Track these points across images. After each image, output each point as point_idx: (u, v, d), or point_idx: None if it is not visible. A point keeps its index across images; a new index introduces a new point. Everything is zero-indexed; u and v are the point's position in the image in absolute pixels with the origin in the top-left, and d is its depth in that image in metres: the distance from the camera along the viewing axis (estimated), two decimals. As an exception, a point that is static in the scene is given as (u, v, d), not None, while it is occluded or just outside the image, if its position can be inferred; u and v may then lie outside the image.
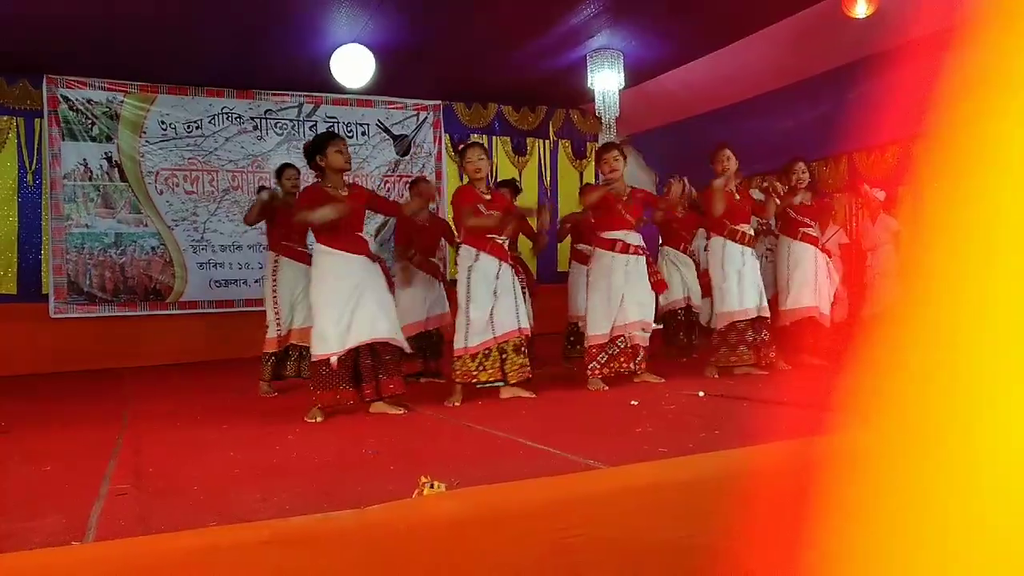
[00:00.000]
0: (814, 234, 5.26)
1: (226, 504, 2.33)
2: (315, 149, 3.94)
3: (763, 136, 8.03)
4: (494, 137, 9.15)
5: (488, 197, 4.26)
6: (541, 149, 9.41)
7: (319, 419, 3.79)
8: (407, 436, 3.42)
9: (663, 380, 4.55)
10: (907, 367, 0.76)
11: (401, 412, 3.89)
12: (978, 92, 0.75)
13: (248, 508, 2.25)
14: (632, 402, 3.94)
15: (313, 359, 3.87)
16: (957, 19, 0.82)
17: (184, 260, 7.78)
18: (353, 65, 6.72)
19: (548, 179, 9.46)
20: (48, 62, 7.02)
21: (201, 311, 7.80)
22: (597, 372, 4.49)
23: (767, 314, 4.87)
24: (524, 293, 4.70)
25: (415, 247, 5.17)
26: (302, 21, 6.22)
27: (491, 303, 4.15)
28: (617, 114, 7.49)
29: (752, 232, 4.91)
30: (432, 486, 2.11)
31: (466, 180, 4.34)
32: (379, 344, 3.90)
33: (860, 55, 6.61)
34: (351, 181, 4.43)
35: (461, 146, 4.25)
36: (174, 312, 7.68)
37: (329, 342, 3.79)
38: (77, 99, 7.43)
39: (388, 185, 8.57)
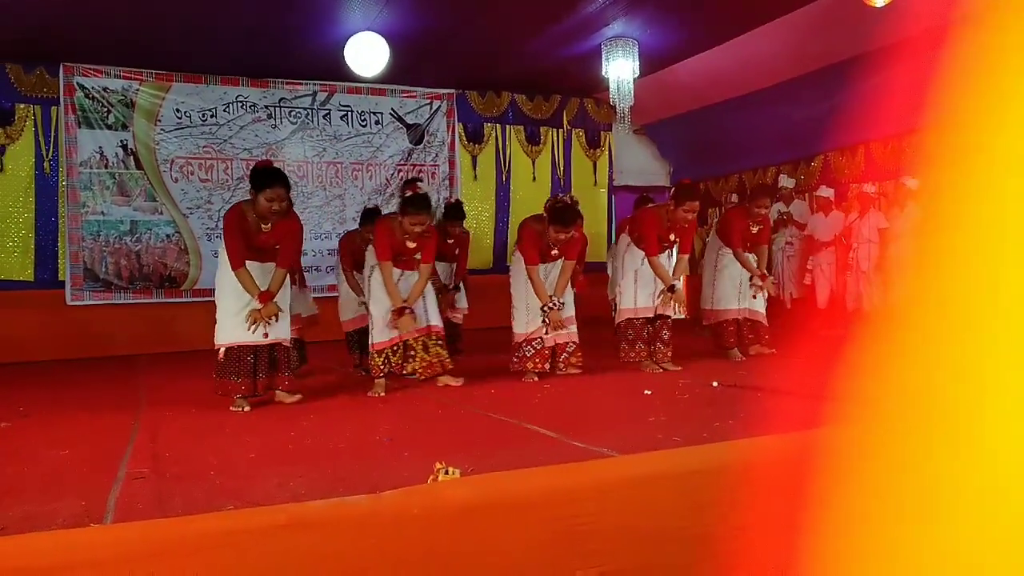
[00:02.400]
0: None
1: (242, 489, 2.35)
2: (253, 182, 3.82)
3: (779, 126, 7.98)
4: (508, 126, 9.13)
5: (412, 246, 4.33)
6: (555, 138, 9.38)
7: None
8: (420, 423, 3.44)
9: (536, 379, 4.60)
10: (914, 359, 0.76)
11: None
12: (994, 82, 0.75)
13: (264, 493, 2.27)
14: (645, 391, 3.94)
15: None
16: (973, 9, 0.81)
17: (199, 247, 7.83)
18: (367, 53, 6.71)
19: (562, 169, 9.42)
20: (64, 50, 7.05)
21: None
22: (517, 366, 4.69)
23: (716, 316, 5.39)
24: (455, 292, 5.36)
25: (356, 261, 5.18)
26: (316, 9, 6.21)
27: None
28: (632, 103, 7.44)
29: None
30: (447, 472, 2.13)
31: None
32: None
33: (878, 44, 6.54)
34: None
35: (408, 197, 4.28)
36: (189, 299, 7.73)
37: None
38: (93, 87, 7.46)
39: (402, 174, 8.57)
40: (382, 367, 4.31)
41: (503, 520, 2.02)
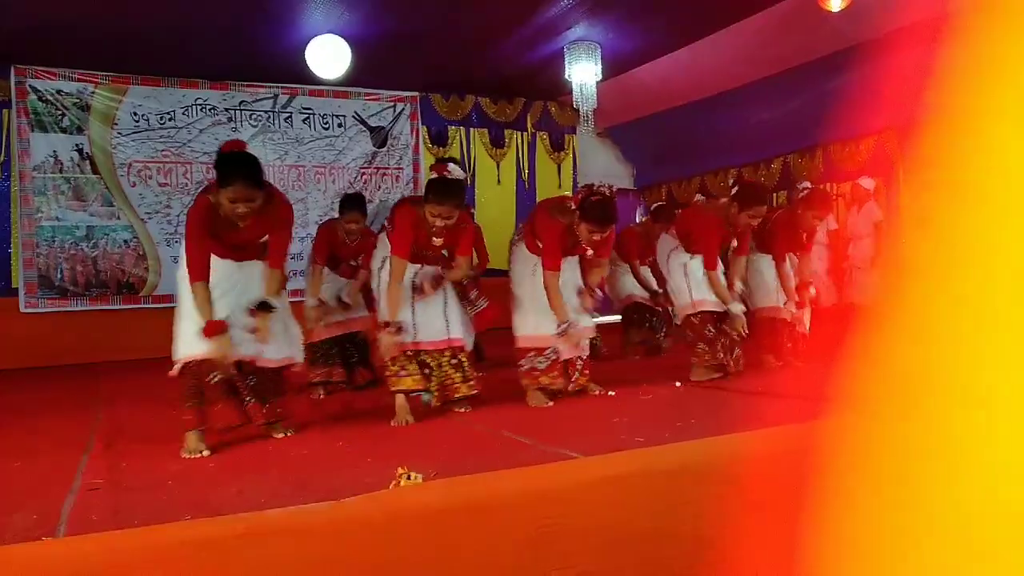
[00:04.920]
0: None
1: (202, 498, 2.31)
2: (217, 172, 3.01)
3: (740, 128, 8.10)
4: (472, 129, 9.12)
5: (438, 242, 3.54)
6: (519, 141, 9.40)
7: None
8: (384, 428, 3.41)
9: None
10: (900, 357, 0.75)
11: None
12: (961, 82, 0.76)
13: (224, 502, 2.23)
14: (609, 392, 3.95)
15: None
16: (931, 12, 0.83)
17: (158, 253, 7.68)
18: (329, 56, 6.66)
19: (526, 172, 9.45)
20: (16, 52, 6.87)
21: (175, 305, 7.68)
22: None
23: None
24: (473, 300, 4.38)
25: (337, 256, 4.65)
26: (277, 11, 6.15)
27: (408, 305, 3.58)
28: (595, 106, 7.49)
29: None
30: (409, 477, 2.11)
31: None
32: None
33: (836, 48, 6.67)
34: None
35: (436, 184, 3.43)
36: (148, 306, 7.58)
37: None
38: (46, 90, 7.29)
39: (365, 177, 8.51)
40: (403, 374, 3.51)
41: (467, 525, 2.01)
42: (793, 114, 7.38)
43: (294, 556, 1.81)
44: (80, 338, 7.21)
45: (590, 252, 3.86)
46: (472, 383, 3.65)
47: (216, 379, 3.03)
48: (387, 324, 3.45)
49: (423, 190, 3.57)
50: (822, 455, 0.82)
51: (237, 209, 2.96)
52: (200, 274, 3.01)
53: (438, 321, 3.61)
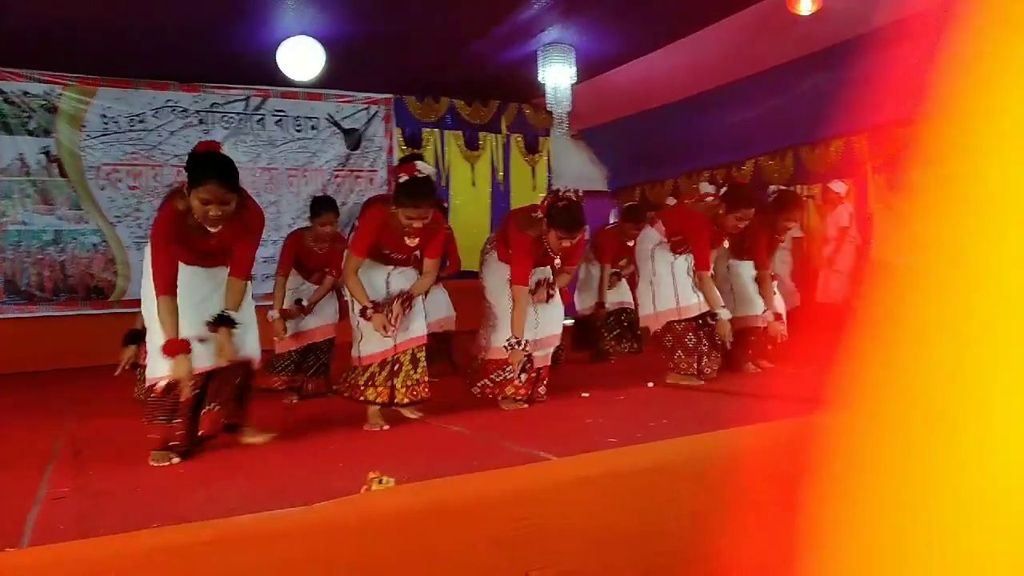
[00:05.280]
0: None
1: (171, 505, 2.28)
2: (188, 172, 2.86)
3: (713, 131, 8.16)
4: (446, 131, 9.10)
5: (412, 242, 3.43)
6: (494, 144, 9.39)
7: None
8: (356, 433, 3.38)
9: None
10: (899, 357, 0.75)
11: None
12: (937, 83, 0.76)
13: (194, 509, 2.20)
14: (583, 394, 3.96)
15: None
16: (899, 15, 0.83)
17: (127, 257, 7.57)
18: (301, 58, 6.61)
19: (501, 174, 9.45)
20: (-20, 53, 6.76)
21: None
22: None
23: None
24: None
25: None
26: (249, 12, 6.09)
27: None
28: (569, 109, 7.50)
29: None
30: (381, 481, 2.10)
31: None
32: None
33: (806, 51, 6.75)
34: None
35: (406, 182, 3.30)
36: (117, 311, 7.45)
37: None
38: (13, 92, 7.15)
39: (338, 180, 8.46)
40: (361, 387, 3.44)
41: (440, 527, 2.00)
42: (765, 116, 7.46)
43: (265, 562, 1.79)
44: (47, 344, 7.09)
45: (558, 262, 3.83)
46: (425, 386, 3.54)
47: (184, 397, 2.89)
48: (364, 310, 3.37)
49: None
50: (791, 453, 0.83)
51: (209, 212, 2.80)
52: (166, 288, 2.83)
53: (413, 323, 3.53)
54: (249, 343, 3.10)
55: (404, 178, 3.31)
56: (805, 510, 0.81)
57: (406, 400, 3.48)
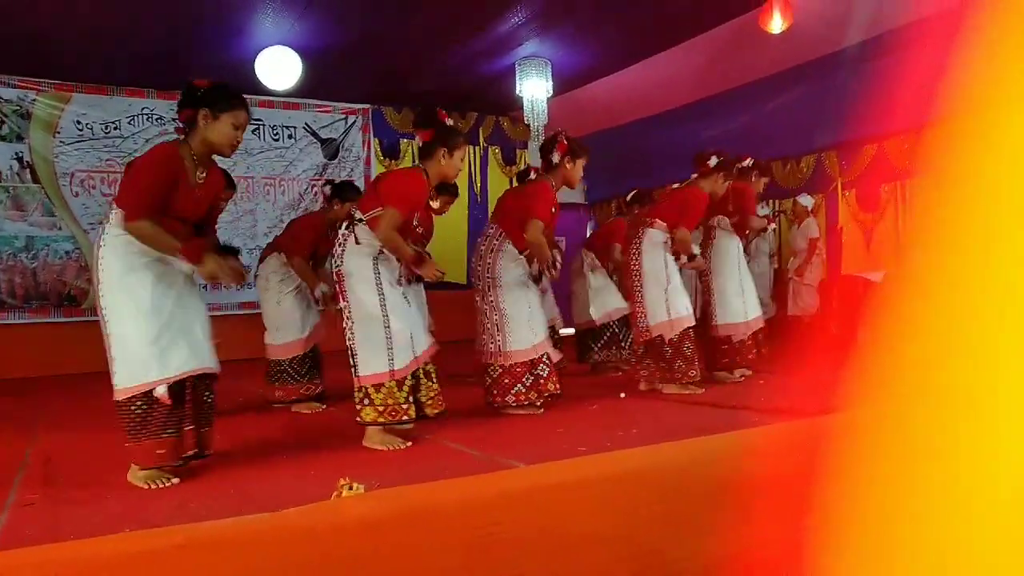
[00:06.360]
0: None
1: (142, 511, 2.28)
2: (211, 101, 2.86)
3: (688, 144, 8.27)
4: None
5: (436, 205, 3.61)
6: (472, 155, 9.45)
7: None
8: (327, 439, 3.40)
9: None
10: (899, 356, 0.75)
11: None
12: (917, 96, 0.78)
13: (165, 514, 2.22)
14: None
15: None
16: (873, 33, 0.82)
17: (101, 265, 7.50)
18: (279, 67, 6.63)
19: (479, 185, 9.51)
20: (-47, 57, 6.70)
21: (107, 326, 7.48)
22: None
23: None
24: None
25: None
26: (226, 21, 6.10)
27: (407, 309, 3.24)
28: (546, 122, 7.58)
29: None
30: (351, 488, 2.12)
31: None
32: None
33: (778, 68, 6.90)
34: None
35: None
36: (90, 318, 7.36)
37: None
38: (-15, 96, 7.10)
39: (315, 190, 8.45)
40: (405, 406, 3.12)
41: (410, 534, 2.03)
42: (737, 131, 7.58)
43: (235, 567, 1.81)
44: (18, 352, 7.00)
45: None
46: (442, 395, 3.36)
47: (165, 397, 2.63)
48: (419, 256, 3.27)
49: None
50: (760, 462, 0.85)
51: (237, 137, 2.85)
52: (147, 211, 2.68)
53: (422, 329, 3.36)
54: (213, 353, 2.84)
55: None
56: (771, 518, 0.81)
57: (435, 411, 3.28)
